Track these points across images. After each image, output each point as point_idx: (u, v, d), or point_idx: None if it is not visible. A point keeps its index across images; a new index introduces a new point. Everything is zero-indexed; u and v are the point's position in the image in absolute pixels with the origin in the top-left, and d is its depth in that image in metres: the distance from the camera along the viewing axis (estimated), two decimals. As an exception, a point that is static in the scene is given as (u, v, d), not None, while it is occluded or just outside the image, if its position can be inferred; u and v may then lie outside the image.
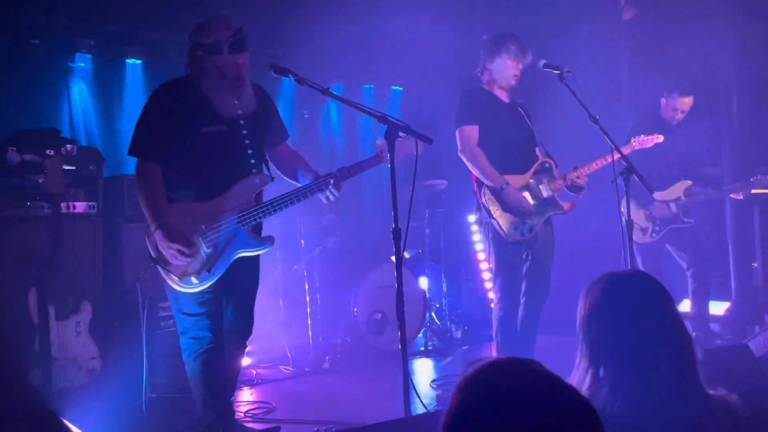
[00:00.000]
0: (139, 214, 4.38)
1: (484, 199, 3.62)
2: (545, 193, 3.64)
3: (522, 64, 3.65)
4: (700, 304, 4.69)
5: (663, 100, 4.66)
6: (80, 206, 4.07)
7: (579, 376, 1.44)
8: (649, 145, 4.01)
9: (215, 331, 2.83)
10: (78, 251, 4.01)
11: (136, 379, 3.70)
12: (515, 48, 3.63)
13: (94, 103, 5.35)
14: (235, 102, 2.83)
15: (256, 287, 3.06)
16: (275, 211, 2.83)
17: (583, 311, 1.48)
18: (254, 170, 2.91)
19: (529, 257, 3.65)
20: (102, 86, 5.38)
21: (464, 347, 5.36)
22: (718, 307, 5.02)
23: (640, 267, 4.68)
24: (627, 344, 1.40)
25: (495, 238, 3.62)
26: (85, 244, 4.07)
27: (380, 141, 2.79)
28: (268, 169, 3.02)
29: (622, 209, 3.08)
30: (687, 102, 4.56)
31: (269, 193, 2.97)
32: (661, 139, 4.02)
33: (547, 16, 5.52)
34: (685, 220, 4.58)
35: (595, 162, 3.63)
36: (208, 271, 2.74)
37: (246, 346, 3.09)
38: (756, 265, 5.03)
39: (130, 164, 5.54)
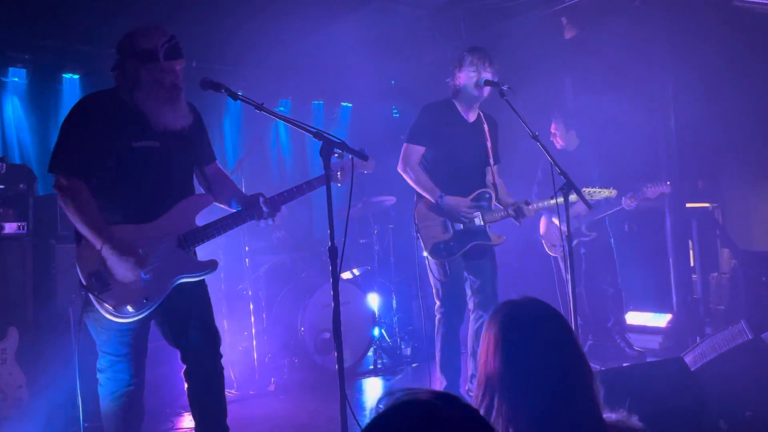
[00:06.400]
0: (73, 233, 4.24)
1: (415, 215, 3.67)
2: (477, 222, 3.64)
3: (485, 72, 3.57)
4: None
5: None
6: (9, 227, 3.88)
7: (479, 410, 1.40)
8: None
9: (135, 374, 2.62)
10: (5, 274, 3.82)
11: (66, 408, 3.52)
12: (475, 57, 3.58)
13: (29, 119, 5.16)
14: (172, 114, 2.61)
15: (209, 303, 2.78)
16: (217, 234, 2.66)
17: (484, 344, 1.44)
18: (190, 190, 2.74)
19: (470, 274, 3.67)
20: (37, 101, 5.20)
21: (414, 364, 5.32)
22: (660, 320, 5.12)
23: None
24: (522, 373, 1.38)
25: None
26: (14, 267, 3.87)
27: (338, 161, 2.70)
28: (208, 190, 2.82)
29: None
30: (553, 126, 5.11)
31: (208, 214, 2.79)
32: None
33: (494, 36, 5.60)
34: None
35: (546, 201, 3.68)
36: (146, 299, 2.52)
37: (221, 368, 2.75)
38: (695, 277, 5.16)
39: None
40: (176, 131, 2.66)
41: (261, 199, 2.70)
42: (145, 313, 2.55)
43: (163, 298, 2.58)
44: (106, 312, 2.50)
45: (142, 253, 2.51)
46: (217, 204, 2.88)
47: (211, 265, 2.68)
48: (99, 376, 2.64)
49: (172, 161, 2.66)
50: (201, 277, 2.68)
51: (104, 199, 2.57)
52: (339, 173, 3.01)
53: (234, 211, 2.80)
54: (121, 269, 2.45)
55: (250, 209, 2.74)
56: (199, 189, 2.85)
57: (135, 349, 2.62)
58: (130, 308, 2.50)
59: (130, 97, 2.58)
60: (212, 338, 2.72)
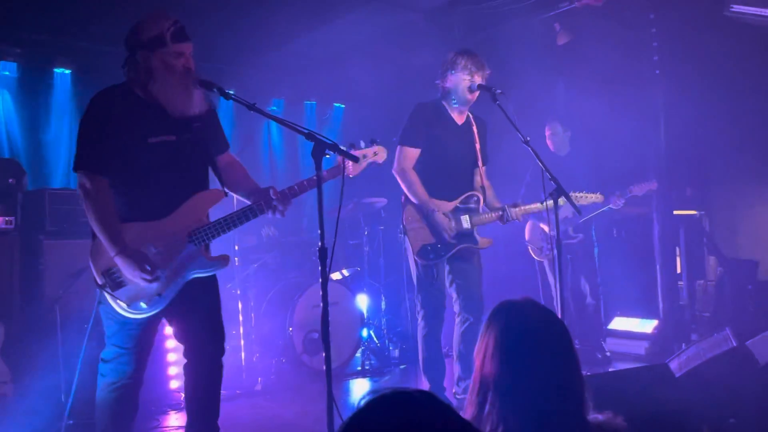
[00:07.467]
0: (62, 230, 4.22)
1: (403, 217, 3.67)
2: (465, 225, 3.64)
3: (478, 76, 3.55)
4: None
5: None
6: (-4, 221, 3.86)
7: (471, 409, 1.42)
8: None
9: (137, 368, 2.63)
10: (-8, 269, 3.80)
11: (51, 404, 3.50)
12: (468, 61, 3.55)
13: (19, 113, 5.13)
14: (188, 99, 2.59)
15: (218, 299, 2.78)
16: (228, 229, 2.64)
17: (482, 343, 1.45)
18: (205, 184, 2.73)
19: (456, 277, 3.68)
20: (28, 96, 5.17)
21: (402, 366, 5.33)
22: (646, 326, 5.16)
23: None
24: (519, 376, 1.39)
25: (411, 255, 3.65)
26: (1, 262, 3.85)
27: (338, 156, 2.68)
28: (221, 182, 2.81)
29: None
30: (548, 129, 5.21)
31: (223, 208, 2.78)
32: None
33: (487, 40, 5.62)
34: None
35: (533, 204, 3.69)
36: (159, 295, 2.54)
37: (221, 365, 2.76)
38: (682, 283, 5.21)
39: (56, 177, 5.37)
40: (193, 121, 2.65)
41: (272, 192, 2.67)
42: (159, 309, 2.57)
43: (176, 293, 2.59)
44: (120, 308, 2.54)
45: (155, 250, 2.55)
46: (233, 194, 2.87)
47: (221, 261, 2.69)
48: (101, 366, 2.64)
49: (187, 155, 2.65)
50: (212, 272, 2.69)
51: (120, 195, 2.58)
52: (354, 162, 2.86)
53: (246, 204, 2.76)
54: (134, 276, 2.48)
55: (260, 202, 2.70)
56: (213, 181, 2.80)
57: (141, 344, 2.62)
58: (143, 304, 2.54)
59: (145, 90, 2.58)
60: (217, 335, 2.73)
